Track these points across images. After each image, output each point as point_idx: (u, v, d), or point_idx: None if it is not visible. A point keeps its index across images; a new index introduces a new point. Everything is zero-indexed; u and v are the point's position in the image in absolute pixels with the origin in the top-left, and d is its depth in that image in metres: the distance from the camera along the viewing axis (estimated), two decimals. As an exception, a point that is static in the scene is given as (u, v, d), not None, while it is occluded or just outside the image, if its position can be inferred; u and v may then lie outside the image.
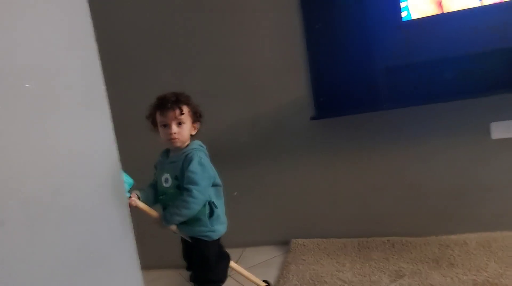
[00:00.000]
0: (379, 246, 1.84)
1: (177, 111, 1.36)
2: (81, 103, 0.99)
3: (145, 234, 1.63)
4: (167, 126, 1.38)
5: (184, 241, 1.52)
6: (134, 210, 1.27)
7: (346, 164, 1.94)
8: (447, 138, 1.78)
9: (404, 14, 1.64)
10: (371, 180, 1.92)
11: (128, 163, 1.33)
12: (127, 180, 1.28)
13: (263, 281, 1.64)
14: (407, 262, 1.66)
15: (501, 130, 1.70)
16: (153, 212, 1.38)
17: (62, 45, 0.93)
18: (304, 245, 1.97)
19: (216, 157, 2.19)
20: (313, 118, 1.84)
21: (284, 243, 2.05)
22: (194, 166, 1.35)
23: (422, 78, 1.69)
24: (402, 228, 1.90)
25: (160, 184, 1.44)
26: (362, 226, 1.96)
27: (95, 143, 1.03)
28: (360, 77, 1.77)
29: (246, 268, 1.71)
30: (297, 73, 1.88)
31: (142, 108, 1.47)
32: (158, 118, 1.40)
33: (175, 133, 1.37)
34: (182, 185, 1.36)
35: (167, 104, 1.36)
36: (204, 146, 1.47)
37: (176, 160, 1.40)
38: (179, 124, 1.38)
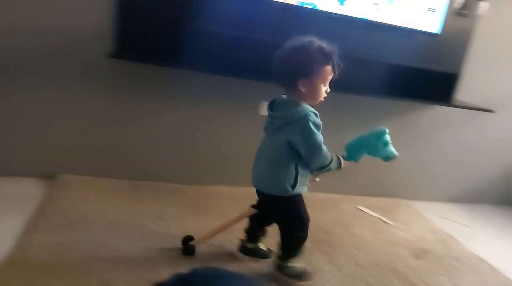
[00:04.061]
0: (149, 189, 1.98)
1: None
2: None
3: None
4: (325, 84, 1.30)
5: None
6: None
7: (133, 108, 1.96)
8: (226, 107, 2.06)
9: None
10: (152, 129, 2.02)
11: None
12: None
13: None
14: (170, 206, 1.87)
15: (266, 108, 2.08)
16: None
17: None
18: (73, 182, 1.90)
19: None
20: (111, 56, 1.73)
21: (49, 177, 1.91)
22: None
23: (220, 48, 1.84)
24: (172, 175, 2.10)
25: None
26: (137, 170, 2.06)
27: None
28: (164, 30, 1.79)
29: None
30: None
31: None
32: (326, 74, 1.28)
33: None
34: None
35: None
36: None
37: None
38: None
